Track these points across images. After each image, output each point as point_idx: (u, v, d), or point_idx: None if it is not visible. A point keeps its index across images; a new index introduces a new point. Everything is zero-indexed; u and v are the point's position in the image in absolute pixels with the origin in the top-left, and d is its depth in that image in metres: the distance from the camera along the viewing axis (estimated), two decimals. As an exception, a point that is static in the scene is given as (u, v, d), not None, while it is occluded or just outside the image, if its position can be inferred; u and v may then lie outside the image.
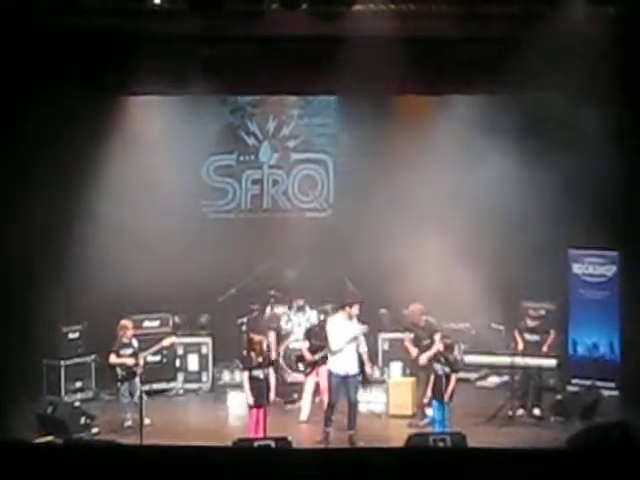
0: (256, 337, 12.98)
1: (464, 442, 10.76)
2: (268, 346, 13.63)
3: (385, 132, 15.93)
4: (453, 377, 12.88)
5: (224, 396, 15.34)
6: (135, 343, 14.12)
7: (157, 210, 15.46)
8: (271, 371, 12.82)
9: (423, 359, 13.72)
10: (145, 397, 13.45)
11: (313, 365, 14.19)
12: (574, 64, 12.76)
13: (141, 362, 13.89)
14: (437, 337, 13.63)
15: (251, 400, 12.54)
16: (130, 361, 13.82)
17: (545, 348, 14.17)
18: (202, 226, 16.80)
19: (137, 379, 13.84)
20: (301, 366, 14.46)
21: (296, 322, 16.04)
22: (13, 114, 14.03)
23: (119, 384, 13.93)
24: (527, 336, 14.29)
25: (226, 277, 16.29)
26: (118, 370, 13.89)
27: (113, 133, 15.25)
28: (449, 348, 13.15)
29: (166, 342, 14.48)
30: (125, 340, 14.02)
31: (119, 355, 13.91)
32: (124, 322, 14.21)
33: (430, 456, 8.26)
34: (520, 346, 14.21)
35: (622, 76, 13.37)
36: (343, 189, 17.24)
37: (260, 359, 12.62)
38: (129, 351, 13.96)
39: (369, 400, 14.70)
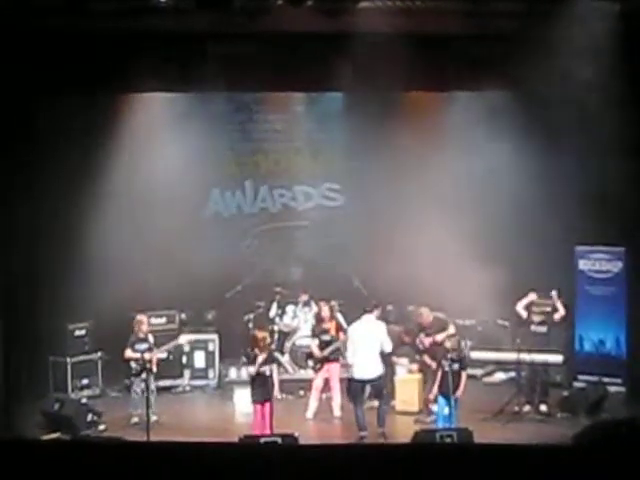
0: (260, 333, 12.98)
1: (470, 438, 10.77)
2: (272, 342, 13.64)
3: (391, 128, 15.86)
4: (463, 374, 12.88)
5: (231, 393, 15.29)
6: (151, 338, 14.06)
7: (163, 207, 15.48)
8: (275, 367, 12.82)
9: (440, 337, 13.76)
10: (155, 393, 13.47)
11: (322, 361, 14.18)
12: (580, 61, 12.74)
13: (154, 358, 13.78)
14: (450, 326, 13.73)
15: (255, 396, 12.56)
16: (146, 356, 13.67)
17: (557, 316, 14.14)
18: (208, 222, 16.80)
19: (148, 375, 13.66)
20: (311, 363, 14.44)
21: (302, 318, 16.06)
22: (20, 114, 14.05)
23: (132, 379, 13.85)
24: (534, 329, 14.24)
25: (232, 274, 16.30)
26: (133, 365, 13.82)
27: (118, 131, 15.25)
28: (456, 344, 13.16)
29: (182, 340, 14.54)
30: (141, 335, 13.95)
31: (134, 350, 13.83)
32: (140, 317, 14.14)
33: (436, 452, 8.24)
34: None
35: (629, 73, 13.35)
36: (349, 185, 17.22)
37: (264, 355, 12.62)
38: (144, 346, 13.86)
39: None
